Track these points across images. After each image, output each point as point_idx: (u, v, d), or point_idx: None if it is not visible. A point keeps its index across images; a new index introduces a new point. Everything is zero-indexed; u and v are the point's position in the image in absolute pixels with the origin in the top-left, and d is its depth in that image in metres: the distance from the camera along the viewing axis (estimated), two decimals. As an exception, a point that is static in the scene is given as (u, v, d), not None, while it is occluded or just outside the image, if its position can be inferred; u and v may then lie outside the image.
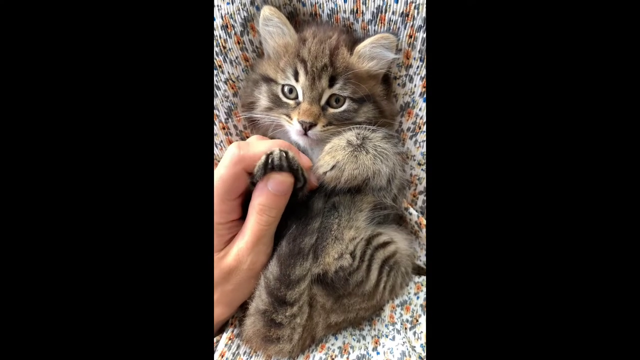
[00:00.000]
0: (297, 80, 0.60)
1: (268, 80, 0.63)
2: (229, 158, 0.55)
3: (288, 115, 0.61)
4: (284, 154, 0.54)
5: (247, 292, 0.60)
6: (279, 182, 0.54)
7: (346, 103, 0.61)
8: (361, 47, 0.60)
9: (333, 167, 0.56)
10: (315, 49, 0.59)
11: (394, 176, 0.61)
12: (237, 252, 0.57)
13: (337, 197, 0.60)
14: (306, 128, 0.59)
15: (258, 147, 0.56)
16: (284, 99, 0.62)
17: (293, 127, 0.60)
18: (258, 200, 0.55)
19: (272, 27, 0.61)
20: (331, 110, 0.61)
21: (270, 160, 0.53)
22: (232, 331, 0.64)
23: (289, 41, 0.61)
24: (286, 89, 0.61)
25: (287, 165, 0.53)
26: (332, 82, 0.60)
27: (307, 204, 0.58)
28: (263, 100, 0.63)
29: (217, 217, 0.56)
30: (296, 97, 0.61)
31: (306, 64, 0.59)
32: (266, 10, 0.60)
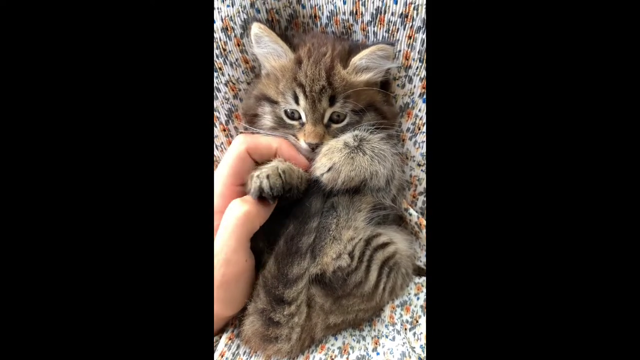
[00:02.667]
0: (297, 103, 0.61)
1: (270, 101, 0.63)
2: (234, 141, 0.62)
3: (295, 136, 0.62)
4: (277, 182, 0.56)
5: (241, 291, 0.60)
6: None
7: (348, 117, 0.62)
8: (357, 59, 0.60)
9: (330, 169, 0.57)
10: (311, 72, 0.59)
11: (392, 177, 0.61)
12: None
13: (336, 197, 0.60)
14: (313, 148, 0.60)
15: (262, 138, 0.62)
16: (288, 121, 0.63)
17: (301, 146, 0.62)
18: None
19: (265, 47, 0.62)
20: (335, 126, 0.62)
21: (261, 187, 0.56)
22: (232, 331, 0.65)
23: (285, 63, 0.62)
24: (289, 111, 0.62)
25: (279, 190, 0.55)
26: (332, 102, 0.60)
27: (305, 203, 0.58)
28: (267, 121, 0.64)
29: (220, 203, 0.58)
30: (299, 118, 0.62)
31: (304, 88, 0.60)
32: (255, 28, 0.60)
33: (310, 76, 0.59)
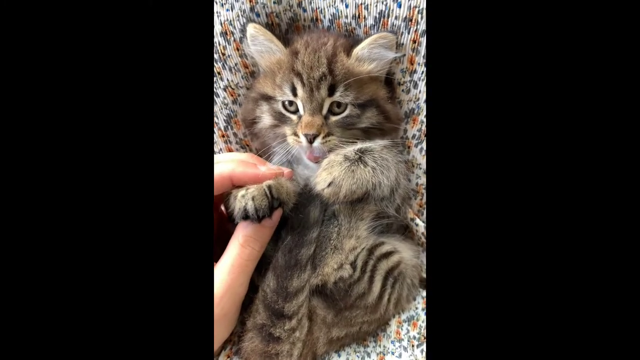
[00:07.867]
0: (295, 94, 0.59)
1: (267, 98, 0.62)
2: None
3: (295, 134, 0.60)
4: (263, 202, 0.52)
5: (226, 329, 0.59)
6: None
7: (348, 108, 0.60)
8: (359, 49, 0.59)
9: (330, 184, 0.55)
10: (309, 60, 0.58)
11: (397, 186, 0.59)
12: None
13: (337, 205, 0.58)
14: (311, 140, 0.58)
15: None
16: (287, 114, 0.61)
17: (302, 146, 0.59)
18: (243, 232, 0.55)
19: (260, 45, 0.61)
20: (333, 118, 0.60)
21: (245, 209, 0.52)
22: (231, 348, 0.63)
23: (280, 57, 0.61)
24: (286, 102, 0.61)
25: (265, 211, 0.52)
26: (331, 91, 0.59)
27: (304, 213, 0.56)
28: (266, 119, 0.62)
29: None
30: (297, 111, 0.61)
31: (302, 77, 0.58)
32: (251, 29, 0.60)
33: (308, 64, 0.58)
